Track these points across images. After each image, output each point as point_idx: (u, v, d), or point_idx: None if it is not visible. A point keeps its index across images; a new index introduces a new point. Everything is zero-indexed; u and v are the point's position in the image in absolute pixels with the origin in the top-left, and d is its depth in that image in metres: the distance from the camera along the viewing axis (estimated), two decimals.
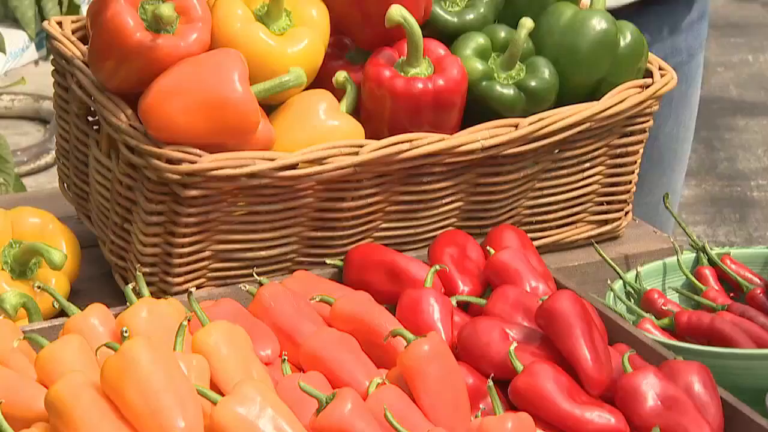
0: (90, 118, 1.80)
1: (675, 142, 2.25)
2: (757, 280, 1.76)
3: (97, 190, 1.77)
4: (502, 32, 1.79)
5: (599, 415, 1.42)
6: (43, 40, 3.95)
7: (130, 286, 1.53)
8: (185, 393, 1.33)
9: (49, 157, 4.29)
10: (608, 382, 1.46)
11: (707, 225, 4.25)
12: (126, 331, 1.37)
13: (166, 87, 1.62)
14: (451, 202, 1.79)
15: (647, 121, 1.85)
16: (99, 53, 1.67)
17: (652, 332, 1.66)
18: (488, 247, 1.70)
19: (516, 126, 1.75)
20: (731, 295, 1.77)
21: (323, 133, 1.69)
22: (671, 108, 2.21)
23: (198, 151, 1.63)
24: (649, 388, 1.43)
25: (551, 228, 1.86)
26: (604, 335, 1.57)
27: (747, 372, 1.55)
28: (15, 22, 3.85)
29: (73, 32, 1.83)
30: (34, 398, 1.38)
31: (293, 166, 1.66)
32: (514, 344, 1.48)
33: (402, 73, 1.72)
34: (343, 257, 1.73)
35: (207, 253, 1.70)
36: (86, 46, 1.74)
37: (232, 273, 1.72)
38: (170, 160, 1.62)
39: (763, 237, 4.13)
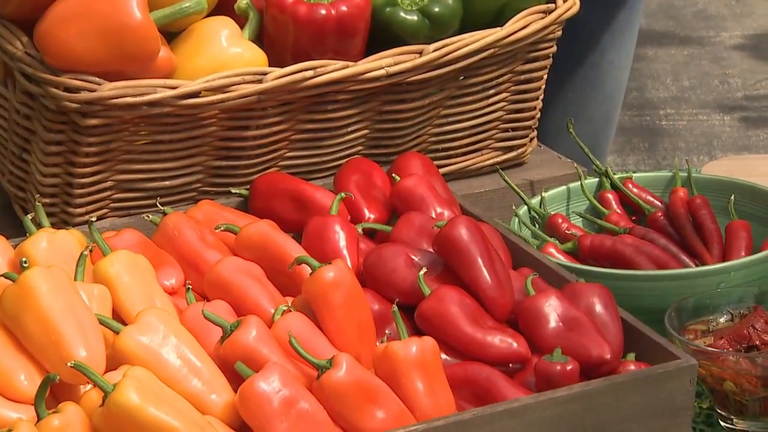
0: None
1: (616, 70, 2.26)
2: (658, 203, 1.78)
3: None
4: None
5: (501, 340, 1.43)
6: None
7: (30, 216, 1.50)
8: (86, 322, 1.32)
9: None
10: (511, 306, 1.47)
11: (617, 154, 4.29)
12: (25, 262, 1.35)
13: (62, 12, 1.59)
14: (357, 130, 1.78)
15: (551, 46, 1.85)
16: None
17: (555, 256, 1.68)
18: (394, 175, 1.69)
19: (420, 53, 1.74)
20: (633, 218, 1.78)
21: (226, 60, 1.68)
22: (613, 36, 2.21)
23: (97, 79, 1.60)
24: (551, 310, 1.44)
25: (457, 155, 1.86)
26: (507, 260, 1.58)
27: (647, 293, 1.57)
28: None
29: None
30: None
31: (196, 94, 1.64)
32: (424, 269, 1.48)
33: None
34: (248, 186, 1.72)
35: (109, 183, 1.68)
36: None
37: (136, 203, 1.70)
38: (68, 89, 1.59)
39: (671, 165, 4.18)
